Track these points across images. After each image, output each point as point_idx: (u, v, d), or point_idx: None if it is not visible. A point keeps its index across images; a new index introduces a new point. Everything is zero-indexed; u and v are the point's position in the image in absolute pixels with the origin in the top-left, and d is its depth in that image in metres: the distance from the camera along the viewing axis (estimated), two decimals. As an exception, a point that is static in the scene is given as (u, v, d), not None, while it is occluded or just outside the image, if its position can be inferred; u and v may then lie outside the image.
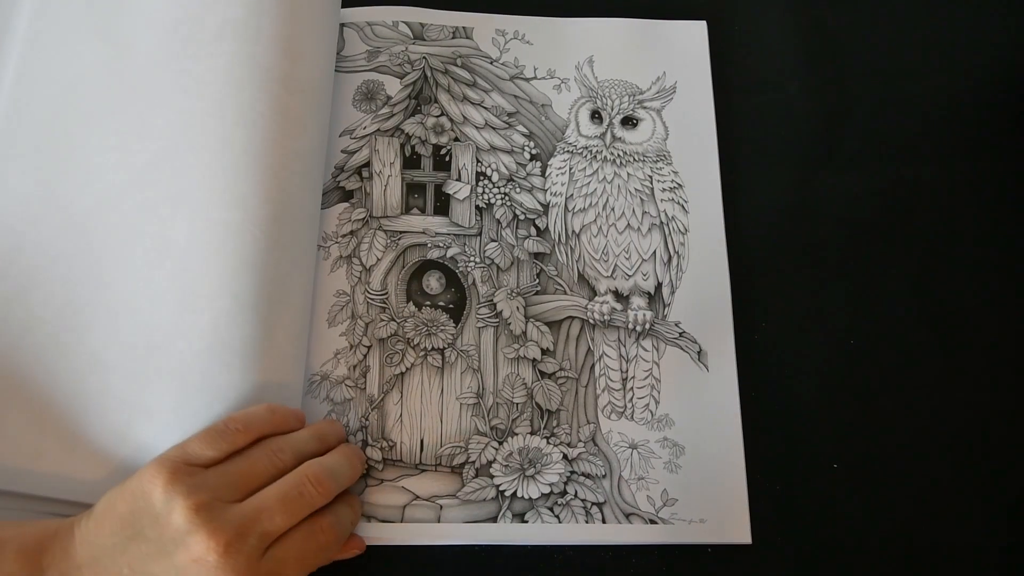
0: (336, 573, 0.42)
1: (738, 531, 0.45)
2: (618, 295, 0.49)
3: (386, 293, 0.48)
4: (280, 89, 0.46)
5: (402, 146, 0.51)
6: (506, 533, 0.44)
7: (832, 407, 0.48)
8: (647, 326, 0.49)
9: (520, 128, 0.52)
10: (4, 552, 0.35)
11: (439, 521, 0.44)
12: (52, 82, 0.46)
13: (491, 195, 0.50)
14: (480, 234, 0.50)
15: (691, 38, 0.55)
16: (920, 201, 0.53)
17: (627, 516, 0.45)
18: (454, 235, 0.49)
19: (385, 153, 0.50)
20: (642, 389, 0.47)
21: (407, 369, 0.47)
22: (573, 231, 0.50)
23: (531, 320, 0.48)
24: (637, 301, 0.49)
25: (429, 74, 0.52)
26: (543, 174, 0.51)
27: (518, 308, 0.48)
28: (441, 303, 0.48)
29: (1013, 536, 0.46)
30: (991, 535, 0.46)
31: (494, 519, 0.44)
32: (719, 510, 0.45)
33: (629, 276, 0.50)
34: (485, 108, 0.52)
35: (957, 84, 0.56)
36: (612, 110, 0.53)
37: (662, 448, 0.46)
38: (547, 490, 0.45)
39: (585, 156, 0.52)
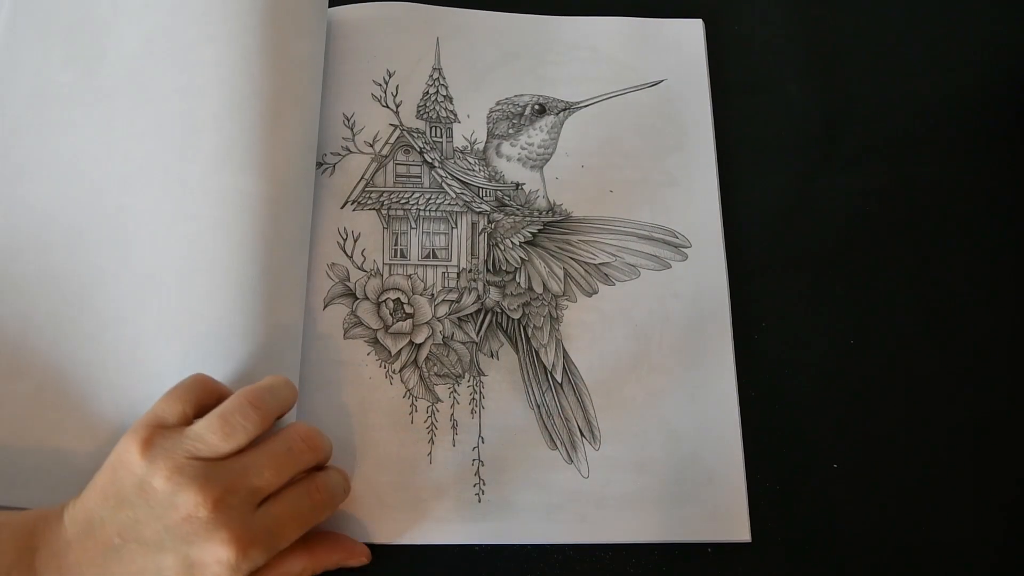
0: (337, 572, 0.42)
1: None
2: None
3: None
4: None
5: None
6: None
7: (831, 406, 0.48)
8: None
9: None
10: None
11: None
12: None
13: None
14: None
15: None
16: (920, 201, 0.53)
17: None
18: None
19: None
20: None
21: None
22: None
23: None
24: None
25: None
26: None
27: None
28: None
29: (1012, 536, 0.46)
30: (990, 534, 0.46)
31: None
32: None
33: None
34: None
35: (957, 84, 0.56)
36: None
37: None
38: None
39: None
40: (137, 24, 0.47)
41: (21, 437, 0.42)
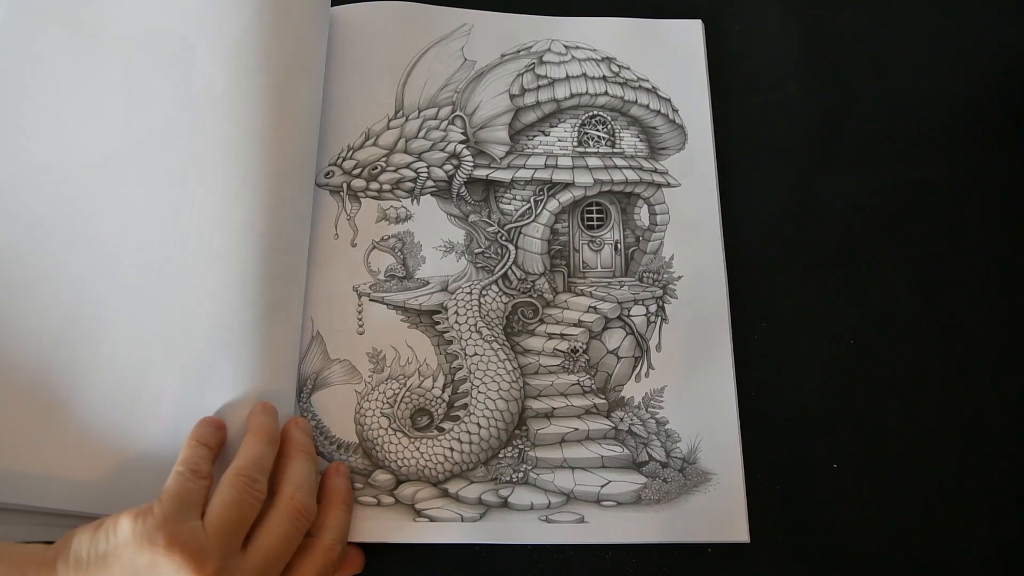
0: (337, 572, 0.42)
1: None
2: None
3: None
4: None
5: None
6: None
7: (831, 407, 0.48)
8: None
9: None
10: None
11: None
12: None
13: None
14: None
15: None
16: (920, 201, 0.53)
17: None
18: None
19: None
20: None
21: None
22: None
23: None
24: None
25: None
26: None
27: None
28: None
29: (1013, 536, 0.46)
30: (991, 534, 0.46)
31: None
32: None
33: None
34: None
35: (957, 84, 0.56)
36: None
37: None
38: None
39: None
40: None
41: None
